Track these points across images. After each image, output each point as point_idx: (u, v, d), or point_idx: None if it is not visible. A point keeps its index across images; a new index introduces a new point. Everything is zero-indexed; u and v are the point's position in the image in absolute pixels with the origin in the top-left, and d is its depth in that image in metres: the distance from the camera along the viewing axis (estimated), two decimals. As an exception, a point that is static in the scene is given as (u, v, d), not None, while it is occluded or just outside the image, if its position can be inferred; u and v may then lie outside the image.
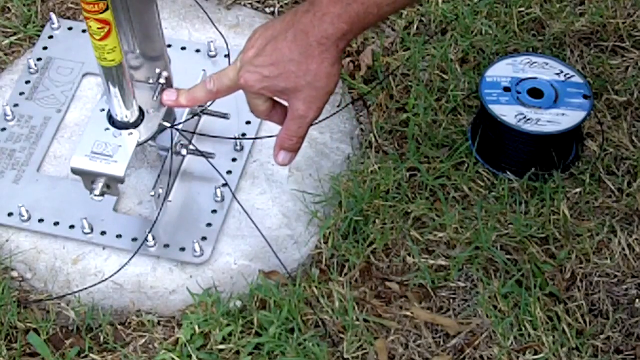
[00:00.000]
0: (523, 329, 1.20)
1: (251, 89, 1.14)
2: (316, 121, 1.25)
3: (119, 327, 1.23)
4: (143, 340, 1.22)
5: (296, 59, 1.09)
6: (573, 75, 1.33)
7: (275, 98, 1.16)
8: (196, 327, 1.20)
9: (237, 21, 1.52)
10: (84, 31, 1.45)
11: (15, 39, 1.51)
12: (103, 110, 1.24)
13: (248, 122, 1.39)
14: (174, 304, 1.25)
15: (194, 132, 1.34)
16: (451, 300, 1.24)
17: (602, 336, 1.20)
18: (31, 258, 1.29)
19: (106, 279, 1.26)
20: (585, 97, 1.31)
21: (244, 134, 1.38)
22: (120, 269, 1.27)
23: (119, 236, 1.29)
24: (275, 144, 1.18)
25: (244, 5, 1.55)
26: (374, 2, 1.06)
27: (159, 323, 1.24)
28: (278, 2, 1.54)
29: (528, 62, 1.34)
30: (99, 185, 1.22)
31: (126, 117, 1.23)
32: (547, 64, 1.34)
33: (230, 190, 1.32)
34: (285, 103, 1.14)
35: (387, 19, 1.48)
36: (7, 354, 1.20)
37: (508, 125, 1.29)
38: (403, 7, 1.09)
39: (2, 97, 1.44)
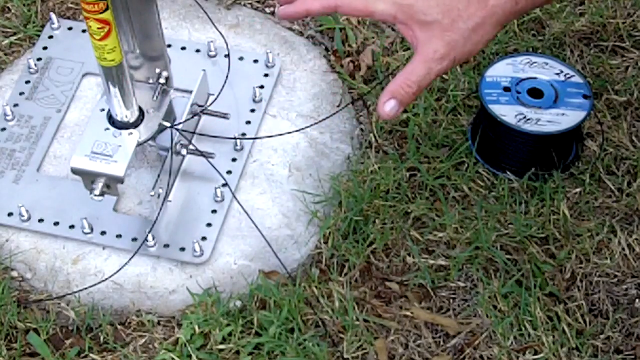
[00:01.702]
0: (523, 329, 1.20)
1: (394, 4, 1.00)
2: (316, 121, 1.24)
3: (119, 327, 1.23)
4: (143, 340, 1.22)
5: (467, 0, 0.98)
6: (573, 75, 1.33)
7: (401, 26, 1.01)
8: (196, 327, 1.20)
9: (237, 21, 1.52)
10: (84, 31, 1.46)
11: (15, 39, 1.51)
12: (103, 110, 1.24)
13: (248, 122, 1.39)
14: (174, 304, 1.25)
15: (194, 132, 1.34)
16: (451, 300, 1.24)
17: (602, 336, 1.20)
18: (31, 258, 1.29)
19: (106, 279, 1.26)
20: (585, 97, 1.31)
21: (244, 134, 1.38)
22: (120, 269, 1.27)
23: (119, 236, 1.29)
24: (385, 89, 1.02)
25: (244, 5, 1.55)
26: None
27: (159, 323, 1.24)
28: (278, 2, 1.54)
29: (528, 62, 1.34)
30: (99, 185, 1.22)
31: (126, 117, 1.23)
32: (547, 64, 1.34)
33: (230, 190, 1.32)
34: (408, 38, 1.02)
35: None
36: (7, 354, 1.20)
37: (508, 125, 1.29)
38: None
39: (2, 97, 1.44)
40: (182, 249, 1.28)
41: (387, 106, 1.02)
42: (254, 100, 1.41)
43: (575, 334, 1.20)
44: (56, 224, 1.31)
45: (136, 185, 1.35)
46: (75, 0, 1.54)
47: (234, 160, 1.36)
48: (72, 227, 1.30)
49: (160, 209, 1.28)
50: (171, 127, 1.27)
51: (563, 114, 1.30)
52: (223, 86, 1.39)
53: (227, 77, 1.41)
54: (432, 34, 1.00)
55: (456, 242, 1.27)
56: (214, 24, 1.47)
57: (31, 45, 1.50)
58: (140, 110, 1.25)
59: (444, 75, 1.42)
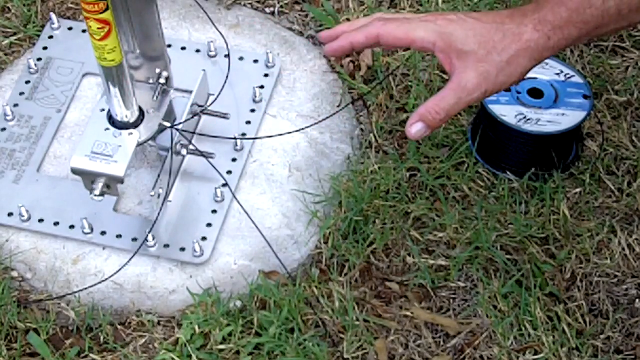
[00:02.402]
0: (523, 329, 1.20)
1: (439, 27, 1.04)
2: (316, 121, 1.24)
3: (119, 327, 1.23)
4: (143, 340, 1.22)
5: (503, 31, 1.02)
6: (573, 75, 1.33)
7: (440, 54, 1.04)
8: (196, 327, 1.20)
9: (237, 21, 1.52)
10: (84, 31, 1.46)
11: (15, 39, 1.51)
12: (103, 110, 1.24)
13: (248, 122, 1.39)
14: (174, 304, 1.25)
15: (194, 132, 1.34)
16: (451, 300, 1.24)
17: (602, 336, 1.20)
18: (31, 258, 1.29)
19: (106, 279, 1.26)
20: (585, 97, 1.31)
21: (244, 134, 1.38)
22: (120, 269, 1.27)
23: (119, 236, 1.29)
24: (415, 112, 1.06)
25: (244, 5, 1.55)
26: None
27: (159, 323, 1.24)
28: (278, 2, 1.54)
29: (528, 62, 1.34)
30: (99, 185, 1.22)
31: (126, 117, 1.23)
32: (547, 63, 1.34)
33: (230, 190, 1.32)
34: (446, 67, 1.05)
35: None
36: (7, 354, 1.20)
37: (508, 125, 1.29)
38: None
39: (2, 97, 1.44)
40: (182, 249, 1.28)
41: (414, 128, 1.06)
42: (254, 100, 1.41)
43: (575, 334, 1.20)
44: (56, 224, 1.31)
45: (136, 185, 1.35)
46: (75, 0, 1.54)
47: (234, 160, 1.36)
48: (72, 227, 1.30)
49: (160, 209, 1.28)
50: (171, 127, 1.27)
51: (563, 114, 1.30)
52: (223, 86, 1.39)
53: (227, 77, 1.41)
54: (466, 64, 1.03)
55: (456, 242, 1.27)
56: (213, 24, 1.47)
57: (31, 45, 1.50)
58: (140, 110, 1.25)
59: (444, 75, 1.42)
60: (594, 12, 1.02)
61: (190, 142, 1.31)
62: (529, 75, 1.33)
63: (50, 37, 1.49)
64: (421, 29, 1.05)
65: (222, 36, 1.45)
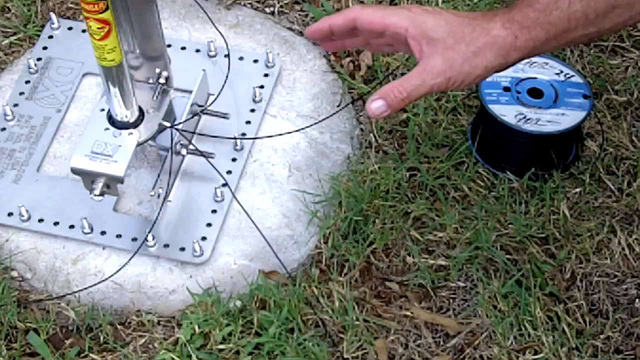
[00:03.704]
0: (523, 329, 1.20)
1: (414, 12, 1.07)
2: (316, 121, 1.24)
3: (119, 327, 1.23)
4: (143, 340, 1.22)
5: (473, 25, 1.05)
6: (573, 75, 1.33)
7: (411, 40, 1.07)
8: (196, 327, 1.20)
9: (237, 21, 1.52)
10: (84, 31, 1.46)
11: (15, 39, 1.51)
12: (103, 110, 1.24)
13: (248, 122, 1.39)
14: (174, 304, 1.25)
15: (194, 132, 1.34)
16: (451, 300, 1.24)
17: (602, 336, 1.20)
18: (31, 258, 1.29)
19: (106, 279, 1.26)
20: (585, 97, 1.31)
21: (244, 134, 1.38)
22: (120, 269, 1.27)
23: (119, 236, 1.29)
24: (379, 90, 1.08)
25: (244, 5, 1.55)
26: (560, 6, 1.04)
27: (159, 323, 1.24)
28: (278, 2, 1.54)
29: (528, 62, 1.34)
30: (99, 185, 1.22)
31: (126, 117, 1.23)
32: (547, 64, 1.34)
33: (230, 190, 1.32)
34: (415, 52, 1.07)
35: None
36: (7, 354, 1.20)
37: (508, 125, 1.29)
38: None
39: (2, 97, 1.44)
40: (182, 249, 1.28)
41: (374, 104, 1.07)
42: (254, 100, 1.41)
43: (575, 334, 1.20)
44: (56, 224, 1.31)
45: (136, 185, 1.35)
46: (75, 0, 1.54)
47: (234, 160, 1.36)
48: (72, 227, 1.30)
49: (160, 209, 1.28)
50: (171, 127, 1.27)
51: (563, 114, 1.30)
52: (223, 86, 1.39)
53: (227, 77, 1.41)
54: (434, 50, 1.05)
55: (456, 242, 1.27)
56: (213, 24, 1.47)
57: (31, 45, 1.50)
58: (140, 110, 1.25)
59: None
60: (560, 15, 1.04)
61: (190, 142, 1.31)
62: (529, 75, 1.33)
63: (50, 37, 1.49)
64: (395, 15, 1.08)
65: (222, 36, 1.45)
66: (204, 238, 1.29)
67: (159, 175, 1.27)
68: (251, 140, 1.37)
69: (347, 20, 1.11)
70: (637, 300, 1.23)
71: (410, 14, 1.07)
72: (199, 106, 1.34)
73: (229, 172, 1.34)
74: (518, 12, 1.05)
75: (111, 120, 1.24)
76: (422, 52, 1.07)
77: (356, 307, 1.23)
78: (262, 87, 1.42)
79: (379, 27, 1.09)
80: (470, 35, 1.05)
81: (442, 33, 1.05)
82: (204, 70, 1.37)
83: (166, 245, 1.28)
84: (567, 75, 1.33)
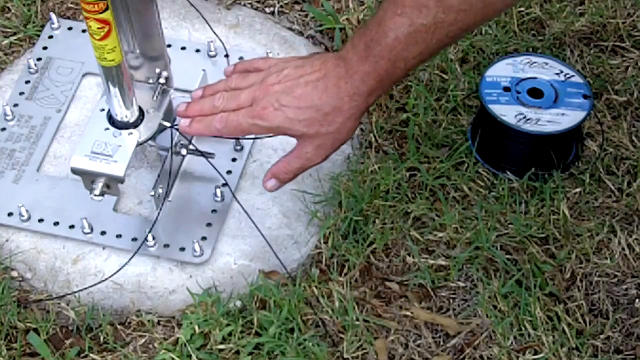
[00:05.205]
0: (523, 329, 1.20)
1: (267, 122, 1.15)
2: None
3: (119, 327, 1.23)
4: (143, 340, 1.22)
5: (324, 110, 1.12)
6: (573, 75, 1.33)
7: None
8: (196, 327, 1.20)
9: (237, 21, 1.52)
10: (84, 31, 1.45)
11: (15, 39, 1.51)
12: (103, 110, 1.24)
13: (248, 122, 1.39)
14: (174, 304, 1.25)
15: (194, 132, 1.34)
16: (451, 300, 1.24)
17: (602, 336, 1.20)
18: (31, 258, 1.29)
19: (106, 279, 1.26)
20: (585, 97, 1.31)
21: (244, 134, 1.38)
22: (120, 269, 1.27)
23: (119, 236, 1.29)
24: (270, 169, 1.20)
25: (244, 5, 1.55)
26: (401, 57, 1.09)
27: (159, 323, 1.24)
28: (278, 2, 1.54)
29: (528, 62, 1.34)
30: (99, 185, 1.22)
31: (126, 117, 1.23)
32: (547, 64, 1.34)
33: (230, 190, 1.32)
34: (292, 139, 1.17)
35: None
36: (7, 354, 1.20)
37: (508, 125, 1.29)
38: (429, 59, 1.13)
39: (2, 97, 1.44)
40: (182, 249, 1.28)
41: (269, 183, 1.21)
42: (254, 100, 1.41)
43: (575, 334, 1.20)
44: (56, 224, 1.31)
45: (136, 185, 1.35)
46: (75, 0, 1.54)
47: (234, 160, 1.36)
48: (72, 227, 1.30)
49: (160, 209, 1.28)
50: (171, 127, 1.27)
51: (563, 114, 1.30)
52: (223, 86, 1.39)
53: (227, 77, 1.41)
54: (303, 141, 1.16)
55: (456, 242, 1.27)
56: (210, 27, 1.47)
57: (31, 45, 1.50)
58: (140, 110, 1.25)
59: (443, 75, 1.42)
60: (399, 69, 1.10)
61: (190, 142, 1.31)
62: (529, 75, 1.34)
63: (50, 37, 1.49)
64: (255, 125, 1.16)
65: (219, 38, 1.45)
66: (204, 238, 1.29)
67: (159, 175, 1.27)
68: (251, 140, 1.37)
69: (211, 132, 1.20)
70: (637, 300, 1.23)
71: (264, 123, 1.15)
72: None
73: (229, 172, 1.34)
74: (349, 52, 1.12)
75: (111, 120, 1.24)
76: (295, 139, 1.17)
77: (356, 307, 1.23)
78: (262, 87, 1.42)
79: (243, 132, 1.19)
80: (325, 119, 1.13)
81: (301, 128, 1.14)
82: (204, 70, 1.37)
83: (166, 245, 1.28)
84: (567, 75, 1.33)
